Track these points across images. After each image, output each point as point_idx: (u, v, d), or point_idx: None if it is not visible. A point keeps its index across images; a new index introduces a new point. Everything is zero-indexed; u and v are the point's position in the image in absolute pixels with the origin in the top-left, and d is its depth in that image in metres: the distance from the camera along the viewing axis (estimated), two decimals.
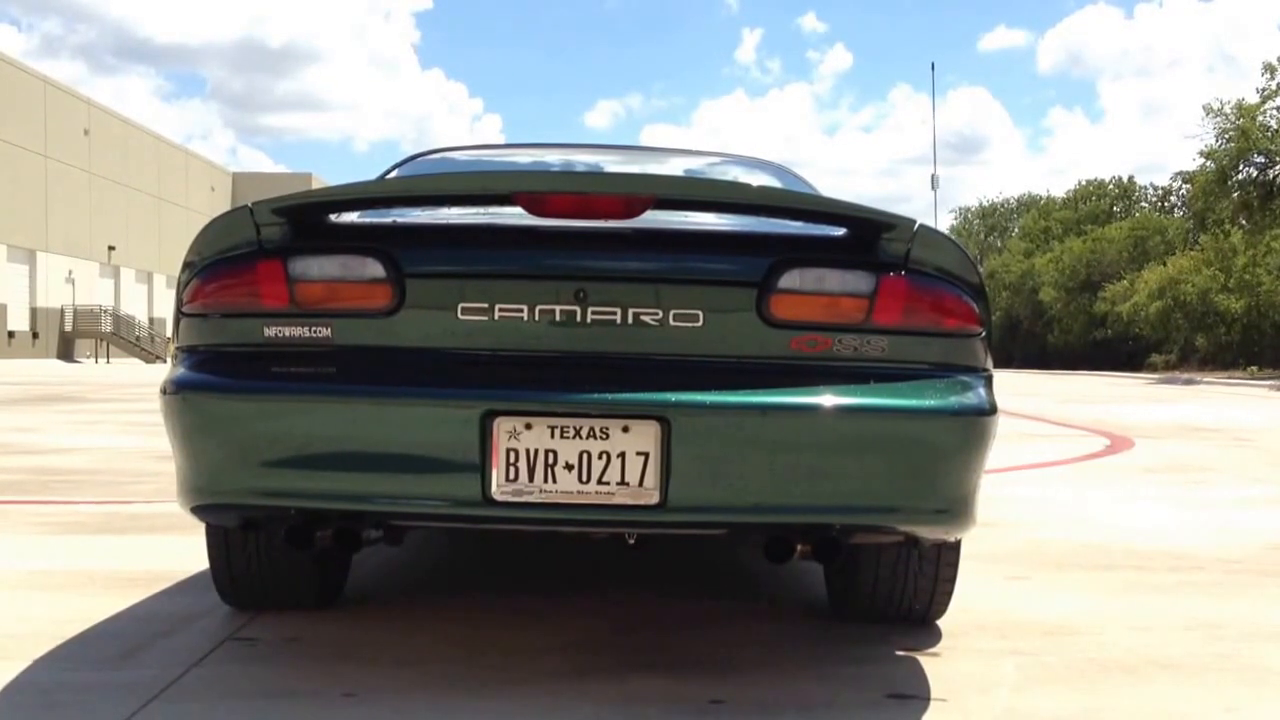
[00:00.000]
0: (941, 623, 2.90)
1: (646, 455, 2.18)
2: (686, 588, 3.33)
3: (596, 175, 2.94)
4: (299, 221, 2.37)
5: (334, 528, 2.42)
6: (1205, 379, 30.81)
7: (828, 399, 2.22)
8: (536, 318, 2.26)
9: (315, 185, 71.34)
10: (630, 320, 2.26)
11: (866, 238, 2.37)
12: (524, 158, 3.98)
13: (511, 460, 2.18)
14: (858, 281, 2.31)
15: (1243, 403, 17.39)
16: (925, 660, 2.58)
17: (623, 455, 2.18)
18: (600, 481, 2.19)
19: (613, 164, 3.83)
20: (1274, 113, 31.55)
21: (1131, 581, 3.51)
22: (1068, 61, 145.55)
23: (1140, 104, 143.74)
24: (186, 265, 2.39)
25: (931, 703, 2.29)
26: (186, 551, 3.77)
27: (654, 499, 2.18)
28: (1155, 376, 35.67)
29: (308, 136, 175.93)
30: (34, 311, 44.41)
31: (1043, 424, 11.61)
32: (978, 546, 4.06)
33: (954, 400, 2.29)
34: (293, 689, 2.32)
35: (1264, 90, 31.55)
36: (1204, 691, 2.40)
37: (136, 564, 3.56)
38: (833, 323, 2.31)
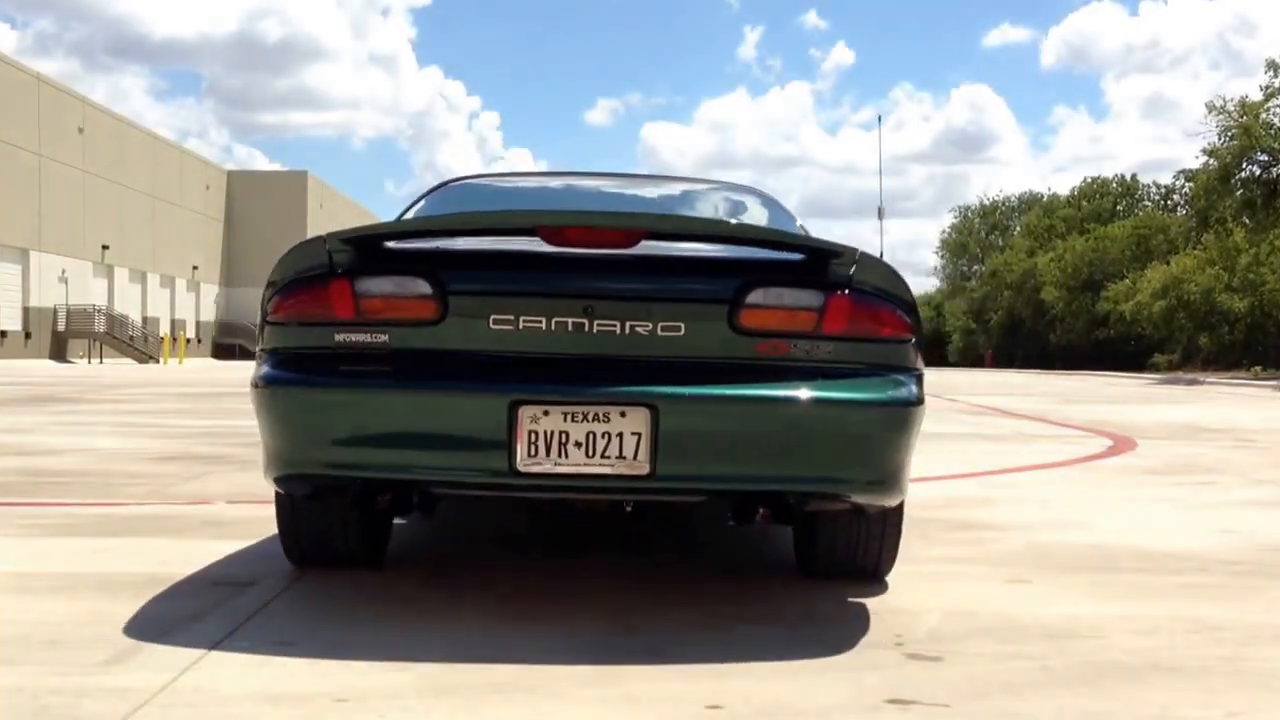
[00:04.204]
0: (942, 626, 2.88)
1: (639, 435, 2.68)
2: (688, 592, 3.30)
3: (602, 214, 3.32)
4: (362, 248, 2.88)
5: (391, 494, 3.02)
6: (1209, 379, 30.77)
7: (785, 392, 2.73)
8: (553, 327, 2.77)
9: (311, 183, 71.59)
10: (627, 330, 2.77)
11: (817, 263, 2.88)
12: (541, 185, 4.56)
13: (532, 440, 2.69)
14: (810, 298, 2.82)
15: (1246, 403, 17.36)
16: (926, 664, 2.55)
17: (620, 435, 2.69)
18: (603, 456, 2.69)
19: (618, 191, 4.41)
20: (1278, 110, 31.48)
21: (1134, 584, 3.48)
22: (1072, 58, 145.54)
23: (1145, 101, 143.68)
24: (270, 283, 2.92)
25: (932, 707, 2.26)
26: (179, 555, 3.75)
27: (645, 470, 2.68)
28: (1158, 377, 35.61)
29: (304, 134, 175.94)
30: (26, 311, 44.33)
31: (1045, 424, 11.58)
32: (979, 549, 4.03)
33: (888, 393, 2.82)
34: (285, 693, 2.30)
35: (1268, 88, 31.50)
36: (1207, 695, 2.37)
37: (129, 567, 3.53)
38: (790, 331, 2.82)
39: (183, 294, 60.88)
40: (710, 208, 4.32)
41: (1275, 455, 8.11)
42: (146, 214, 55.56)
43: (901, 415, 2.82)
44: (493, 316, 2.80)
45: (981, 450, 8.28)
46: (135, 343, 48.97)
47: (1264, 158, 31.52)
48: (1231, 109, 31.63)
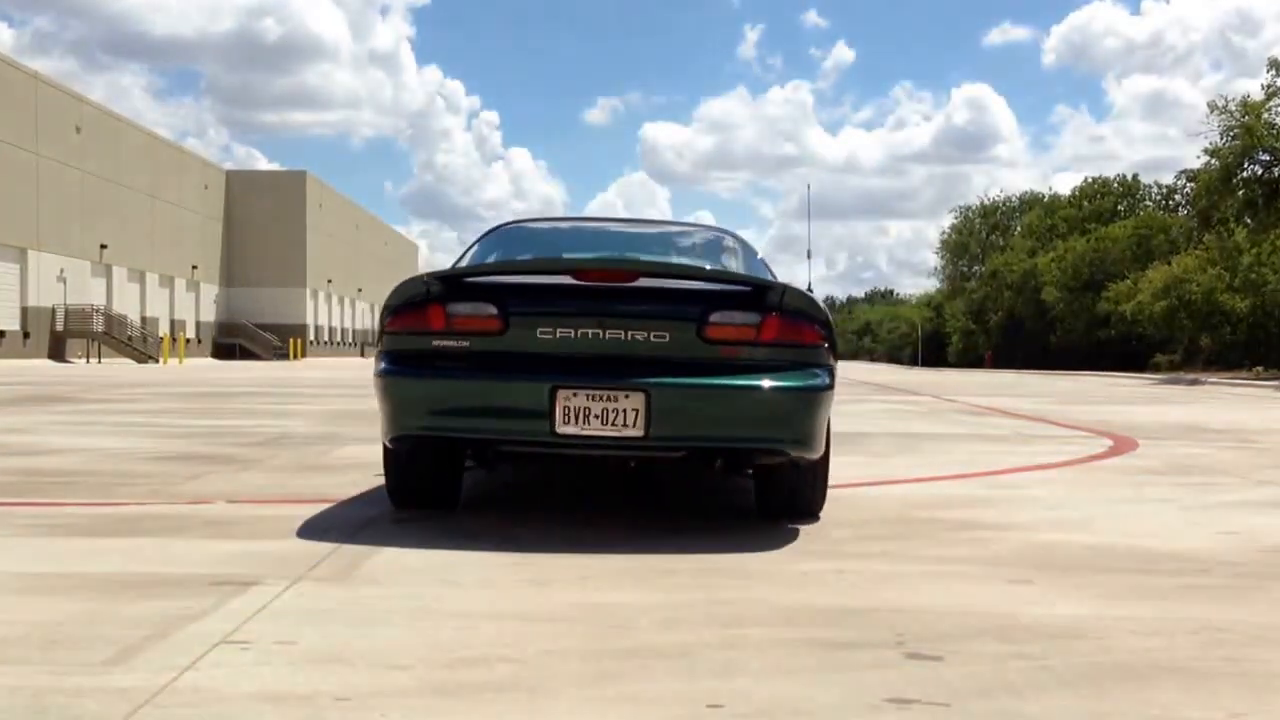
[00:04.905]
0: (943, 626, 2.88)
1: (638, 410, 3.91)
2: (689, 589, 3.29)
3: (614, 260, 4.73)
4: (450, 283, 4.15)
5: (469, 450, 4.40)
6: (1210, 379, 30.74)
7: (736, 381, 3.98)
8: (579, 336, 4.02)
9: (310, 183, 71.51)
10: (629, 338, 4.02)
11: (757, 293, 4.16)
12: (569, 228, 6.01)
13: (565, 412, 3.91)
14: (752, 318, 4.08)
15: (1248, 404, 17.36)
16: (926, 664, 2.55)
17: (624, 410, 3.91)
18: (612, 424, 3.92)
19: (624, 231, 5.93)
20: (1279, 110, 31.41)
21: (1136, 585, 3.47)
22: (1073, 57, 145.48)
23: (1147, 100, 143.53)
24: (387, 306, 4.22)
25: (932, 707, 2.25)
26: (180, 554, 3.75)
27: (641, 434, 3.92)
28: (1159, 377, 35.56)
29: (303, 134, 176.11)
30: (25, 311, 44.23)
31: (1045, 425, 11.57)
32: (979, 549, 4.03)
33: (807, 382, 4.06)
34: (285, 692, 2.29)
35: (1269, 87, 31.44)
36: (1209, 696, 2.36)
37: (129, 567, 3.53)
38: (739, 340, 4.06)
39: (182, 294, 60.85)
40: (693, 247, 5.68)
41: (1277, 456, 8.10)
42: (145, 213, 55.46)
43: (817, 396, 4.07)
44: (539, 329, 4.04)
45: (982, 450, 8.27)
46: (134, 342, 48.87)
47: (1266, 157, 31.47)
48: (1233, 108, 31.58)
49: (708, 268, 4.77)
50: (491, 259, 5.12)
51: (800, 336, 4.10)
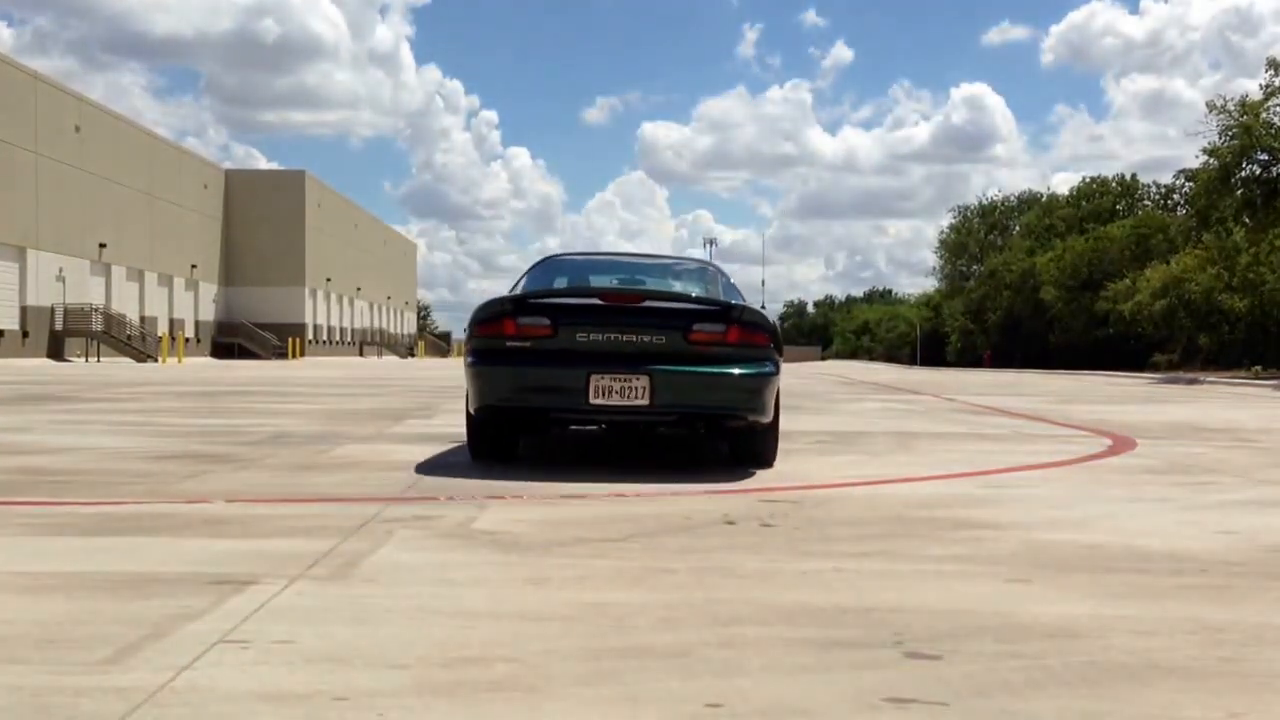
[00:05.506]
0: (942, 625, 2.87)
1: (645, 387, 5.91)
2: (687, 589, 3.29)
3: (628, 289, 6.89)
4: (518, 303, 6.16)
5: (530, 417, 6.39)
6: (1209, 379, 30.73)
7: (710, 369, 6.01)
8: (604, 338, 6.00)
9: (309, 182, 71.50)
10: (638, 340, 6.03)
11: (725, 310, 6.18)
12: (596, 260, 8.34)
13: (596, 390, 5.90)
14: (720, 327, 6.09)
15: (1246, 403, 17.36)
16: (925, 663, 2.55)
17: (635, 388, 5.90)
18: (627, 398, 5.90)
19: (637, 263, 8.11)
20: (1278, 110, 31.39)
21: (1134, 584, 3.47)
22: (1072, 57, 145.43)
23: (1146, 100, 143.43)
24: (474, 319, 6.22)
25: (931, 706, 2.25)
26: (178, 553, 3.74)
27: (647, 403, 5.93)
28: (1158, 376, 35.54)
29: (302, 133, 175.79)
30: (24, 310, 44.16)
31: (1044, 424, 11.57)
32: (978, 548, 4.03)
33: (759, 369, 6.09)
34: (284, 691, 2.29)
35: (1268, 86, 31.41)
36: (1207, 696, 2.36)
37: (128, 565, 3.52)
38: (711, 341, 6.05)
39: (181, 293, 60.80)
40: (685, 274, 7.71)
41: (1275, 455, 8.10)
42: (144, 213, 55.40)
43: (766, 379, 6.10)
44: (578, 334, 6.02)
45: (981, 450, 8.27)
46: (133, 342, 48.80)
47: (1264, 157, 31.46)
48: (1232, 108, 31.56)
49: (693, 293, 6.86)
50: (538, 285, 7.01)
51: (753, 339, 6.14)
